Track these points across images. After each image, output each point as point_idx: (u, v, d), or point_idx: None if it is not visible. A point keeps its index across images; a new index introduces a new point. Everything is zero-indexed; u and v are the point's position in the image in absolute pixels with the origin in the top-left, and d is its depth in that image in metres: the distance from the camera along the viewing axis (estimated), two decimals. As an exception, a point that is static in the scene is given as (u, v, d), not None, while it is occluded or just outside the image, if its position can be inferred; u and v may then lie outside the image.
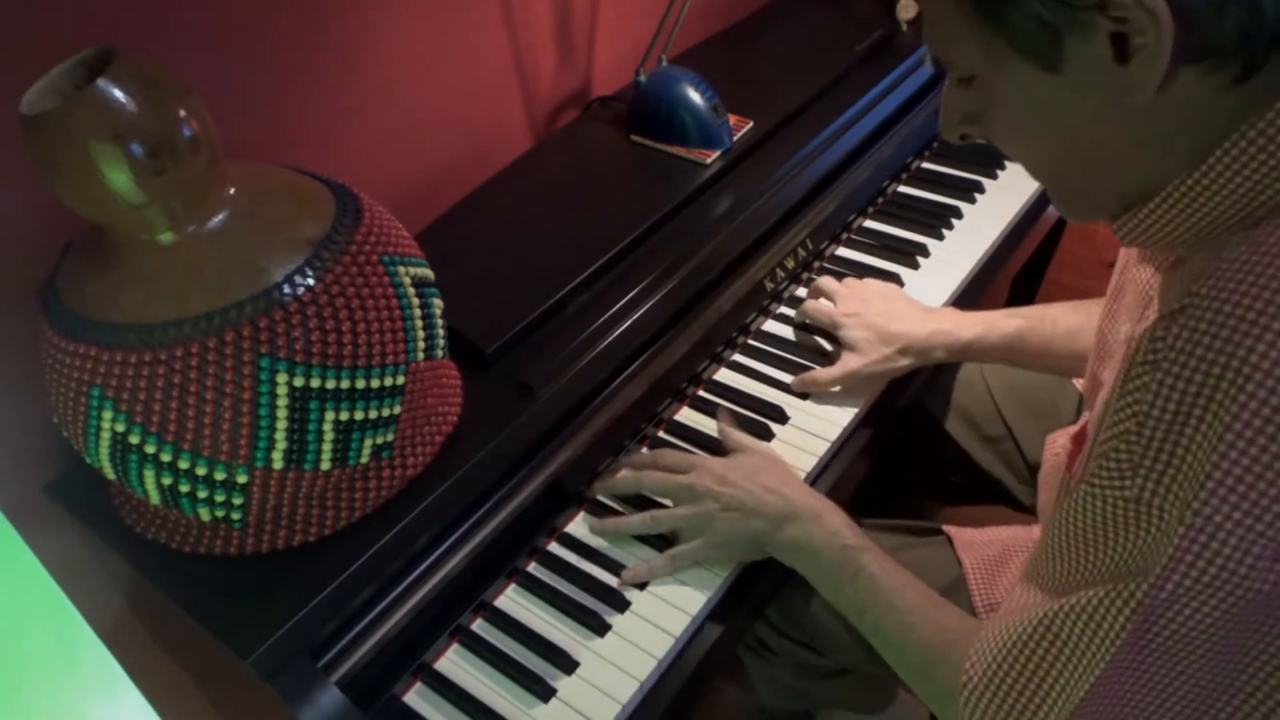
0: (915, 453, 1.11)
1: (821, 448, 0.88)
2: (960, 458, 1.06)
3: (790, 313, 1.02)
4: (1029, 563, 0.61)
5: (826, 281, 0.99)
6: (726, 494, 0.78)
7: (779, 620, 0.95)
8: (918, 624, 0.68)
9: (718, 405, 0.92)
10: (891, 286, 0.99)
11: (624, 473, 0.84)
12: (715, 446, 0.89)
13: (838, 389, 0.92)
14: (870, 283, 0.99)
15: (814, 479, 0.87)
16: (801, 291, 1.05)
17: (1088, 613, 0.53)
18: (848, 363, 0.91)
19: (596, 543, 0.82)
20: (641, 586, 0.78)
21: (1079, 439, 0.64)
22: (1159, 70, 0.45)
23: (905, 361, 0.91)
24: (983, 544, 0.87)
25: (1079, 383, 1.00)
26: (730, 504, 0.77)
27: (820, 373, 0.92)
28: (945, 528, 0.90)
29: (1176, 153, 0.50)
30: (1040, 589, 0.58)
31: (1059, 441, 0.82)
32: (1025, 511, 1.06)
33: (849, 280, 0.99)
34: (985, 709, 0.59)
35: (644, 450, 0.89)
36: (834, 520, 0.75)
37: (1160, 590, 0.49)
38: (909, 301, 0.96)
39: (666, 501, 0.82)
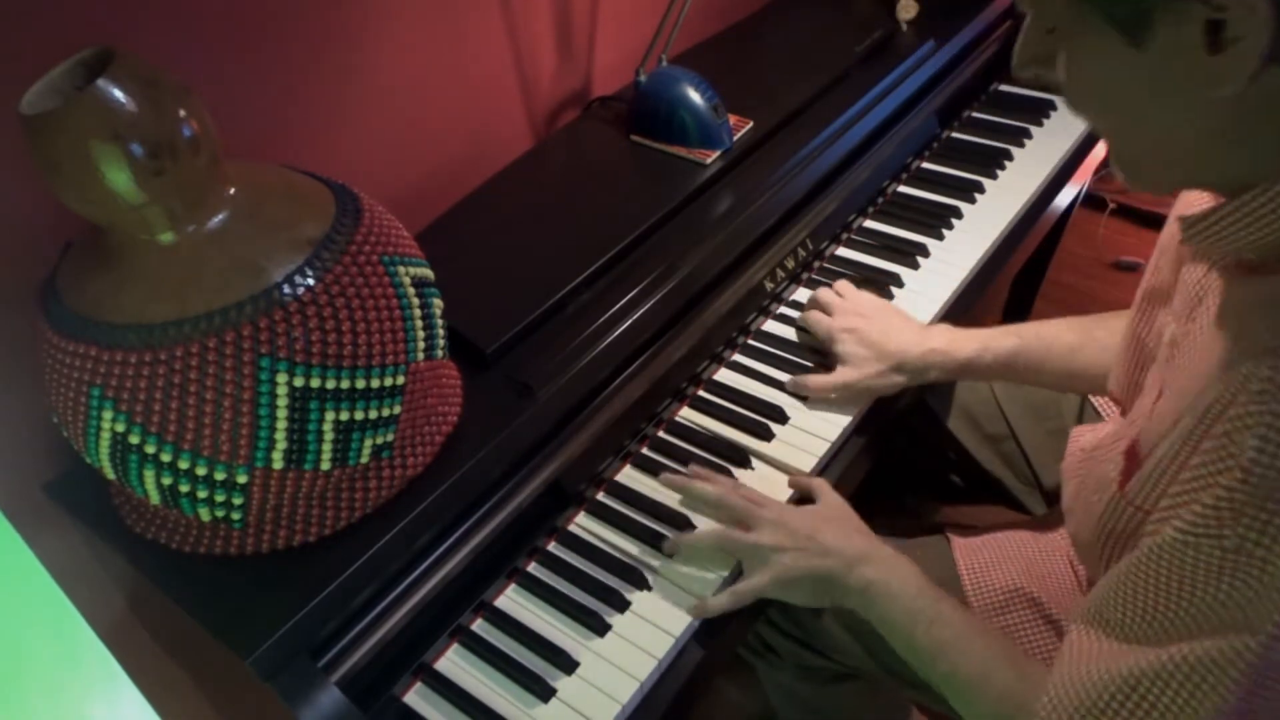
0: (916, 451, 1.11)
1: (821, 448, 0.88)
2: (961, 456, 1.06)
3: (791, 313, 1.02)
4: (1092, 604, 0.58)
5: (823, 292, 0.99)
6: (801, 533, 0.75)
7: (780, 619, 0.95)
8: (997, 671, 0.65)
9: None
10: (886, 302, 0.99)
11: (709, 489, 0.82)
12: (716, 446, 0.89)
13: (832, 397, 0.92)
14: (865, 296, 0.98)
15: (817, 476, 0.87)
16: (801, 292, 1.06)
17: (1186, 672, 0.50)
18: (842, 375, 0.91)
19: (597, 543, 0.82)
20: (643, 587, 0.78)
21: (1131, 454, 0.62)
22: (1249, 66, 0.43)
23: (899, 379, 0.90)
24: (980, 547, 0.87)
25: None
26: (801, 542, 0.75)
27: (815, 379, 0.92)
28: (947, 532, 0.91)
29: (1248, 152, 0.48)
30: (1116, 638, 0.55)
31: (1085, 437, 0.81)
32: (1025, 512, 1.06)
33: (844, 287, 0.99)
34: None
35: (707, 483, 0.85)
36: (908, 568, 0.73)
37: (1273, 651, 0.46)
38: (904, 319, 0.95)
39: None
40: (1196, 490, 0.50)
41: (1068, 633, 0.60)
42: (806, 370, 0.95)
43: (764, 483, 0.86)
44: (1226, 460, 0.48)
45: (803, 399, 0.93)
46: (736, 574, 0.79)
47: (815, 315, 0.97)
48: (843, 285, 1.00)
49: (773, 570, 0.74)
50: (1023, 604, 0.82)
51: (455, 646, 0.76)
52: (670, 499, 0.84)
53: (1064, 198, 1.22)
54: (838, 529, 0.77)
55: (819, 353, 0.97)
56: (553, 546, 0.82)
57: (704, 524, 0.82)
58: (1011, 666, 0.65)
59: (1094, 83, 0.52)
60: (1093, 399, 0.99)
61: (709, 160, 1.03)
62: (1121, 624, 0.55)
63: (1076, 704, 0.55)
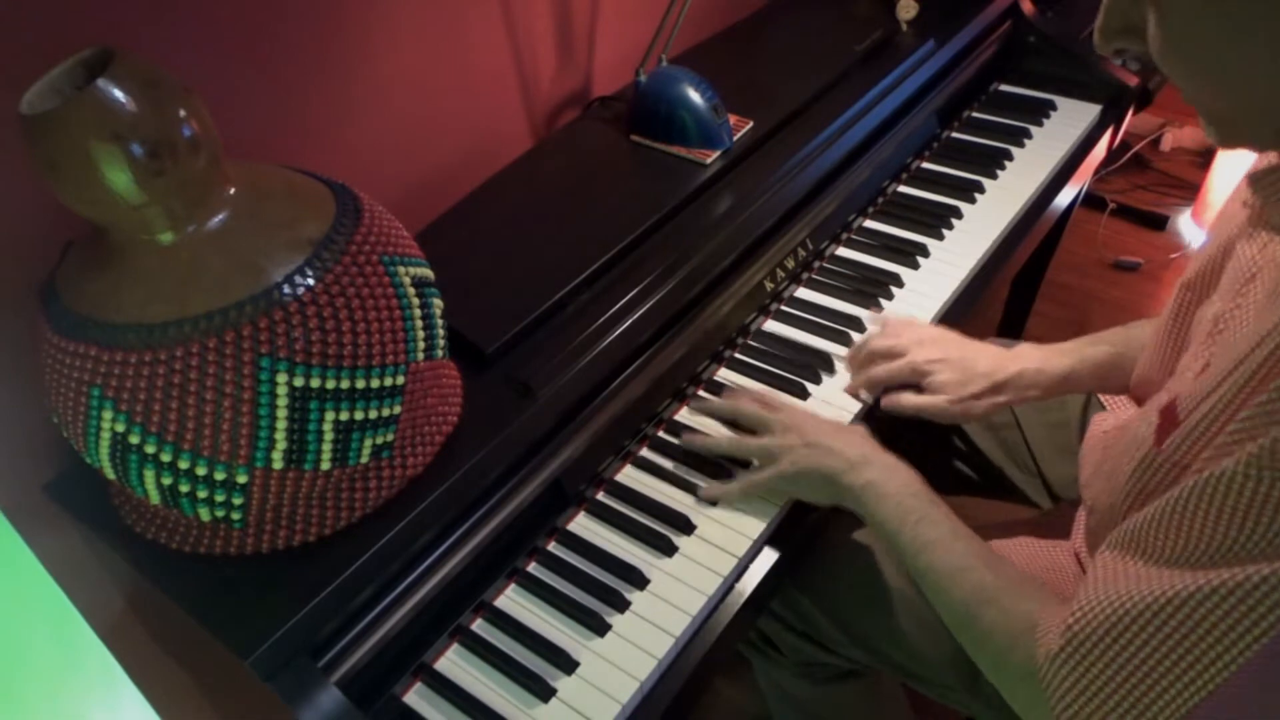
0: (926, 444, 1.12)
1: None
2: (969, 447, 1.07)
3: (792, 312, 1.02)
4: (1127, 531, 0.58)
5: (876, 342, 0.92)
6: (811, 434, 0.80)
7: (782, 611, 0.95)
8: (975, 567, 0.67)
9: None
10: (945, 330, 0.94)
11: (721, 400, 0.90)
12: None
13: (936, 415, 0.89)
14: (921, 327, 0.94)
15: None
16: (802, 291, 1.06)
17: (1239, 595, 0.49)
18: (937, 401, 0.88)
19: (597, 542, 0.82)
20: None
21: (1168, 413, 0.62)
22: None
23: (1000, 399, 0.87)
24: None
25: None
26: (811, 441, 0.80)
27: (910, 398, 0.89)
28: None
29: None
30: (1156, 562, 0.55)
31: (1107, 421, 0.82)
32: (1028, 506, 1.06)
33: (895, 324, 0.95)
34: (1090, 675, 0.56)
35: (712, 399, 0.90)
36: (907, 474, 0.76)
37: None
38: (978, 343, 0.92)
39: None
40: (1263, 425, 0.50)
41: (1095, 559, 0.60)
42: (807, 370, 0.95)
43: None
44: None
45: (803, 397, 0.93)
46: (739, 573, 0.79)
47: (884, 367, 0.90)
48: (890, 327, 0.94)
49: (779, 466, 0.80)
50: None
51: (455, 646, 0.76)
52: (670, 499, 0.85)
53: (1064, 198, 1.22)
54: (845, 434, 0.81)
55: (820, 355, 0.97)
56: (553, 546, 0.82)
57: (711, 520, 0.82)
58: (989, 568, 0.67)
59: (1202, 37, 0.49)
60: (1100, 394, 0.99)
61: (709, 160, 1.03)
62: (1163, 550, 0.54)
63: (1109, 619, 0.55)
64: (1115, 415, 0.80)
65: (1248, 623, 0.50)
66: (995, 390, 0.87)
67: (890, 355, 0.91)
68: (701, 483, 0.85)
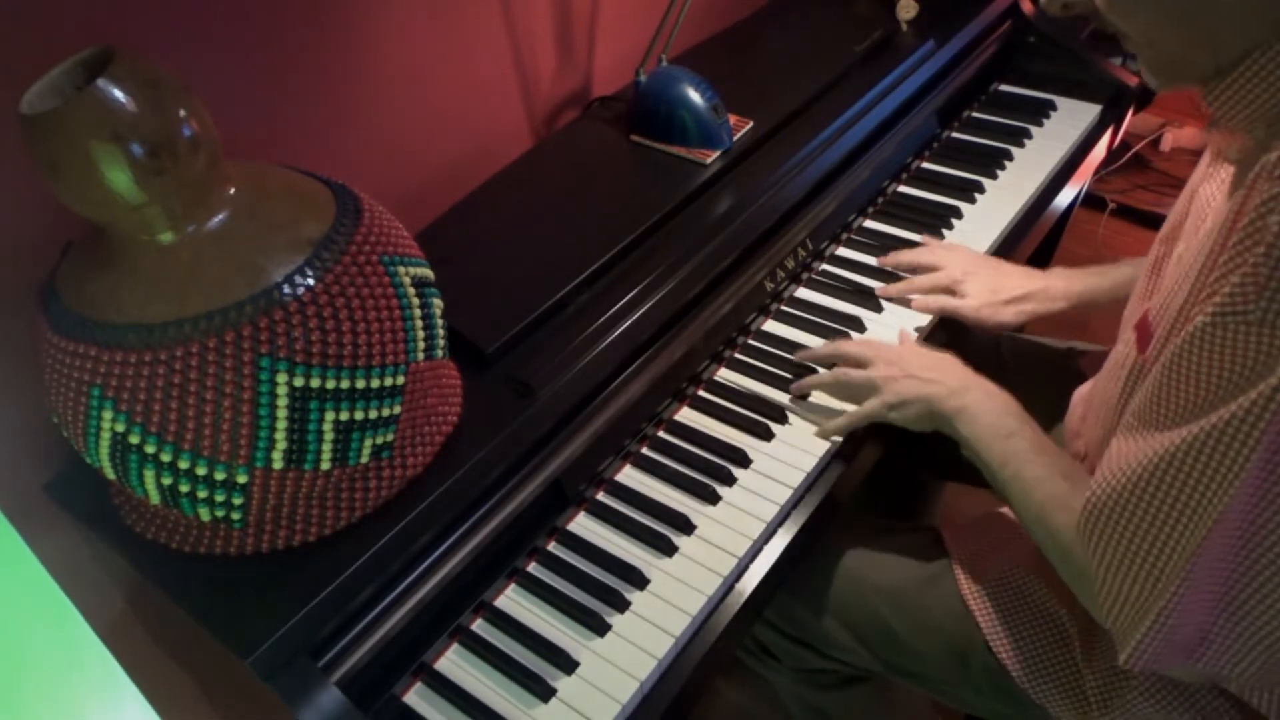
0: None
1: (822, 446, 0.88)
2: None
3: (792, 312, 1.02)
4: (1128, 414, 0.62)
5: (919, 253, 1.03)
6: (912, 365, 0.85)
7: (776, 618, 0.95)
8: (1051, 477, 0.71)
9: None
10: (976, 252, 1.05)
11: (824, 345, 0.94)
12: (717, 447, 0.89)
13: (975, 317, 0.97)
14: (957, 246, 1.05)
15: (816, 476, 0.86)
16: (803, 291, 1.06)
17: (1217, 435, 0.53)
18: (967, 304, 0.96)
19: (597, 542, 0.82)
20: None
21: (1143, 327, 0.67)
22: None
23: (1029, 306, 0.95)
24: (971, 534, 0.88)
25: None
26: (913, 372, 0.84)
27: (940, 299, 0.97)
28: (939, 525, 0.91)
29: (1256, 18, 0.52)
30: (1153, 428, 0.59)
31: (1084, 388, 0.87)
32: None
33: (936, 244, 1.06)
34: (1110, 543, 0.60)
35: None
36: (1003, 397, 0.80)
37: None
38: (1007, 262, 1.02)
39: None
40: (1221, 282, 0.52)
41: (1108, 447, 0.63)
42: (809, 371, 0.95)
43: (773, 468, 0.86)
44: (1252, 247, 0.50)
45: (804, 396, 0.93)
46: (738, 574, 0.79)
47: (925, 276, 1.01)
48: (930, 246, 1.06)
49: (884, 395, 0.84)
50: (1015, 588, 0.83)
51: (455, 646, 0.76)
52: (670, 499, 0.85)
53: (1064, 198, 1.22)
54: (944, 364, 0.85)
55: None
56: (553, 546, 0.82)
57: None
58: (1065, 478, 0.71)
59: None
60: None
61: (709, 160, 1.03)
62: (1156, 417, 0.58)
63: (1116, 490, 0.59)
64: (1089, 382, 0.83)
65: (1230, 459, 0.53)
66: (1022, 300, 0.96)
67: (930, 269, 1.02)
68: (704, 480, 0.85)
